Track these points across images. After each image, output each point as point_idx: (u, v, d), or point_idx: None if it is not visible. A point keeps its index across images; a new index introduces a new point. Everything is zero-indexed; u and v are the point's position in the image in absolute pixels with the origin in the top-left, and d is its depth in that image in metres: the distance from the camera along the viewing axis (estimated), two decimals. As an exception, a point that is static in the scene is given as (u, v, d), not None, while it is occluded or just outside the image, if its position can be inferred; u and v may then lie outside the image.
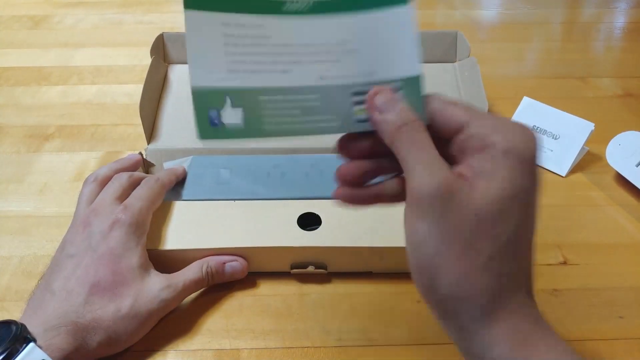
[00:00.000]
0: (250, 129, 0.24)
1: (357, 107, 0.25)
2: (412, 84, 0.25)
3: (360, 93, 0.25)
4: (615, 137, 0.46)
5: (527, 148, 0.22)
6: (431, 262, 0.22)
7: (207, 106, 0.24)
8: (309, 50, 0.24)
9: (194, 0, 0.23)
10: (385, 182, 0.26)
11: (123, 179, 0.38)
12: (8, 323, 0.28)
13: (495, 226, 0.21)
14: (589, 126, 0.47)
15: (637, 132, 0.46)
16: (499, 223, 0.21)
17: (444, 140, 0.24)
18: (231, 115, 0.24)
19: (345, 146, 0.26)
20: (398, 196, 0.25)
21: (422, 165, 0.22)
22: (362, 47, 0.25)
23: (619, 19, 0.74)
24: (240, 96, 0.24)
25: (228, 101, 0.24)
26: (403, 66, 0.25)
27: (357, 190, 0.26)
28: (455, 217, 0.21)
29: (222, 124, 0.24)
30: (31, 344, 0.27)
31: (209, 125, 0.24)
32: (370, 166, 0.26)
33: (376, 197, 0.26)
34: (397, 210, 0.38)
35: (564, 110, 0.48)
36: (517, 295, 0.22)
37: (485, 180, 0.22)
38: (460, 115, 0.23)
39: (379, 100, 0.24)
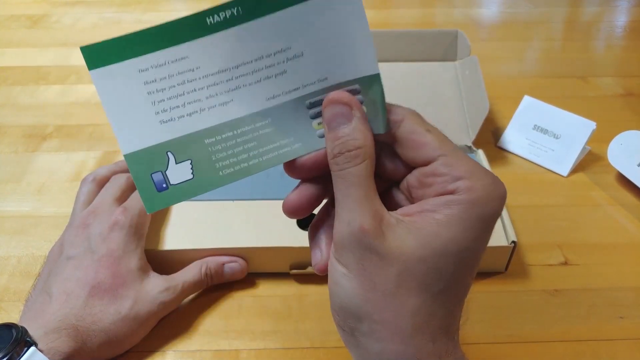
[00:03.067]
0: (205, 180, 0.21)
1: (315, 121, 0.22)
2: (371, 85, 0.21)
3: (316, 104, 0.22)
4: (616, 137, 0.46)
5: (492, 207, 0.20)
6: (349, 307, 0.20)
7: (148, 171, 0.20)
8: (247, 70, 0.21)
9: (97, 57, 0.20)
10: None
11: (122, 180, 0.37)
12: (9, 327, 0.28)
13: (426, 279, 0.20)
14: (591, 125, 0.46)
15: (638, 132, 0.46)
16: (432, 277, 0.20)
17: (403, 167, 0.22)
18: (179, 173, 0.21)
19: (291, 165, 0.22)
20: None
21: (346, 205, 0.20)
22: (308, 48, 0.21)
23: (620, 18, 0.74)
24: (182, 147, 0.21)
25: (171, 158, 0.21)
26: (359, 65, 0.21)
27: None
28: (377, 266, 0.20)
29: (171, 185, 0.21)
30: (32, 348, 0.27)
31: (155, 192, 0.20)
32: (318, 191, 0.23)
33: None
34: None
35: (565, 110, 0.48)
36: (441, 344, 0.21)
37: (431, 230, 0.20)
38: (432, 147, 0.21)
39: (328, 113, 0.21)
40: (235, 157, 0.21)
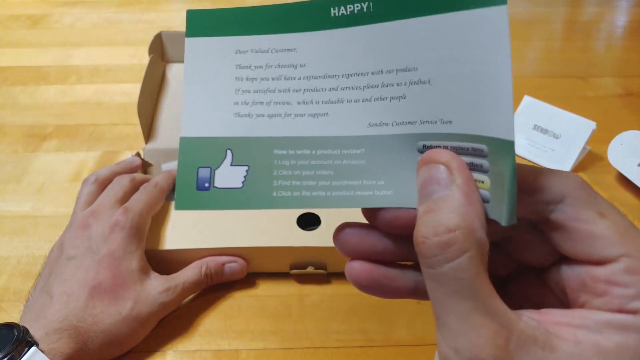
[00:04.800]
0: (253, 195, 0.17)
1: None
2: (500, 153, 0.15)
3: (429, 148, 0.17)
4: (616, 137, 0.46)
5: None
6: None
7: (196, 163, 0.17)
8: (359, 83, 0.17)
9: (199, 25, 0.17)
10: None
11: (125, 181, 0.37)
12: (10, 326, 0.28)
13: None
14: (591, 125, 0.46)
15: (638, 132, 0.46)
16: None
17: (553, 255, 0.16)
18: (229, 176, 0.17)
19: (375, 214, 0.17)
20: None
21: (449, 323, 0.14)
22: (438, 76, 0.16)
23: (621, 18, 0.74)
24: (246, 150, 0.17)
25: (228, 157, 0.17)
26: (490, 121, 0.15)
27: (382, 272, 0.18)
28: None
29: (214, 188, 0.17)
30: (33, 348, 0.27)
31: (193, 189, 0.17)
32: (401, 248, 0.17)
33: (413, 290, 0.18)
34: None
35: (565, 110, 0.48)
36: None
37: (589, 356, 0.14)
38: (609, 242, 0.15)
39: (420, 177, 0.16)
40: (299, 181, 0.17)
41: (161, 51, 0.51)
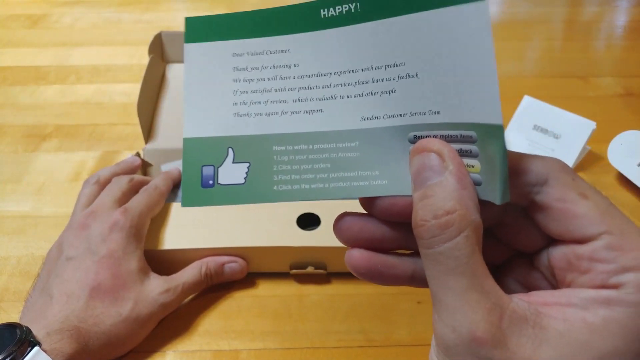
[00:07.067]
0: (255, 190, 0.18)
1: None
2: (490, 137, 0.16)
3: (420, 139, 0.17)
4: (616, 137, 0.46)
5: None
6: None
7: (200, 162, 0.18)
8: (350, 79, 0.18)
9: (198, 31, 0.19)
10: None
11: (123, 182, 0.37)
12: (13, 326, 0.28)
13: None
14: (591, 125, 0.46)
15: (638, 132, 0.46)
16: None
17: (541, 238, 0.17)
18: (231, 173, 0.18)
19: (372, 203, 0.18)
20: None
21: (446, 301, 0.15)
22: (425, 70, 0.17)
23: (621, 18, 0.74)
24: (246, 147, 0.18)
25: (230, 155, 0.18)
26: (478, 108, 0.16)
27: (381, 259, 0.18)
28: None
29: (218, 185, 0.18)
30: (36, 348, 0.27)
31: (198, 187, 0.18)
32: (398, 234, 0.18)
33: (410, 278, 0.18)
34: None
35: (565, 110, 0.48)
36: None
37: (579, 338, 0.14)
38: (590, 221, 0.15)
39: (414, 165, 0.16)
40: (298, 175, 0.18)
41: (161, 51, 0.51)
